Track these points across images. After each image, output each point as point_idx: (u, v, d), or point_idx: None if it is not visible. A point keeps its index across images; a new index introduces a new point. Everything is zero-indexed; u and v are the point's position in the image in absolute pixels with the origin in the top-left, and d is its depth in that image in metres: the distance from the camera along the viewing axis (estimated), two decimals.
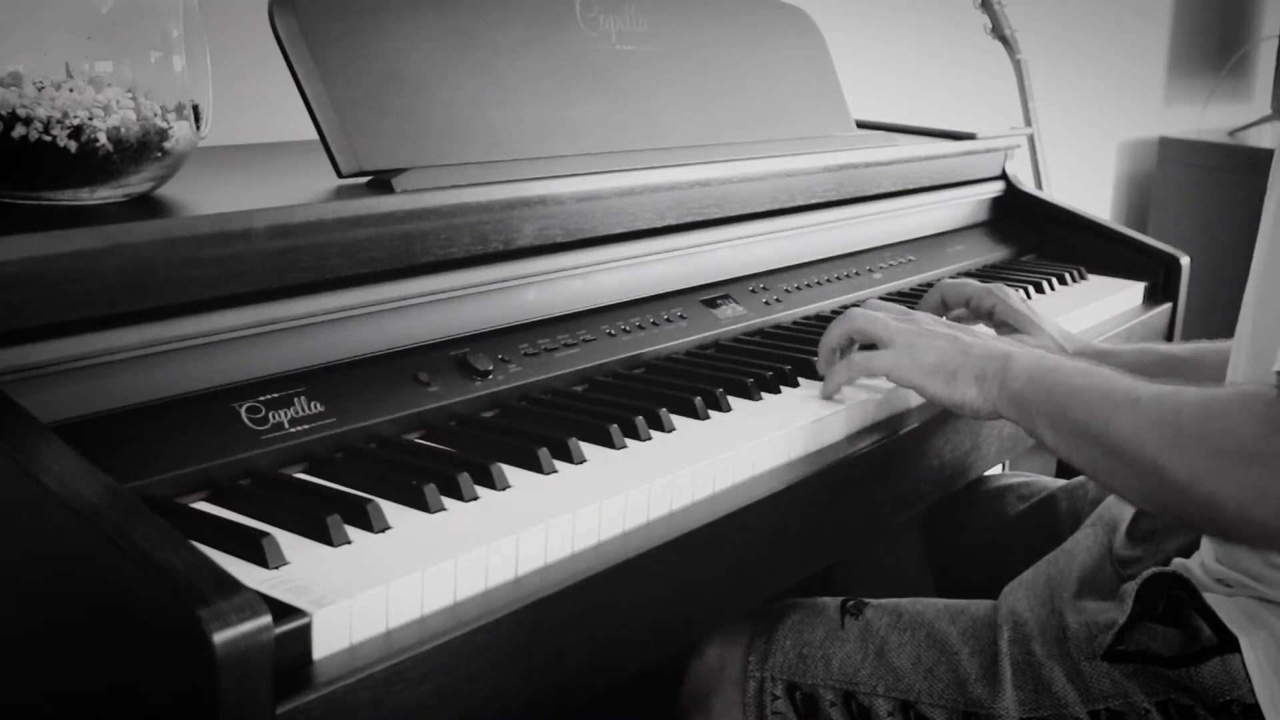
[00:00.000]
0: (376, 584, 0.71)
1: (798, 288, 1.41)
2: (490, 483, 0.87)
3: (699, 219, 1.28)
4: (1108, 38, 3.30)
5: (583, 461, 0.93)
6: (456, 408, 0.99)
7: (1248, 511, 0.83)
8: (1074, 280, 1.74)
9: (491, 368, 1.03)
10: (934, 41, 2.61)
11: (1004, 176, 1.87)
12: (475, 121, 1.11)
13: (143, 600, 0.63)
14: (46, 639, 0.70)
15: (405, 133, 1.05)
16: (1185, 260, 1.78)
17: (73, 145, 0.84)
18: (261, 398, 0.88)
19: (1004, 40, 2.44)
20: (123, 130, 0.85)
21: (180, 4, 0.91)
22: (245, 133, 1.29)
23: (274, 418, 0.88)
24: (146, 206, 0.89)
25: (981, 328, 1.33)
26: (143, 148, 0.87)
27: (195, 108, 0.93)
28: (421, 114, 1.07)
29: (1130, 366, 1.26)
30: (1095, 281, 1.76)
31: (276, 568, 0.73)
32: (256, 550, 0.73)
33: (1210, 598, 0.96)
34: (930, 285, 1.58)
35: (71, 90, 0.84)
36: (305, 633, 0.67)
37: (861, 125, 1.65)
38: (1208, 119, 3.72)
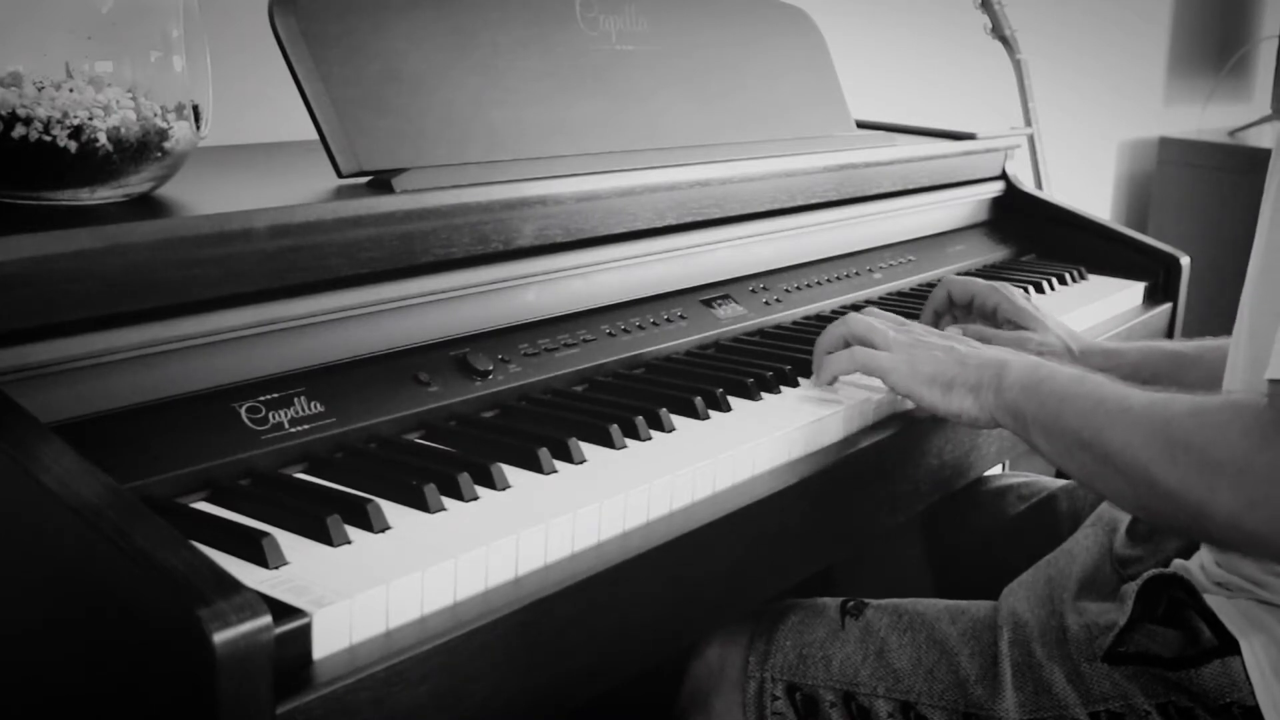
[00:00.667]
0: (376, 584, 0.71)
1: (798, 288, 1.41)
2: (490, 483, 0.87)
3: (699, 219, 1.28)
4: (1108, 38, 3.30)
5: (583, 461, 0.93)
6: (456, 408, 0.99)
7: (1238, 520, 0.83)
8: (1074, 280, 1.74)
9: (491, 368, 1.03)
10: (934, 41, 2.61)
11: (1004, 176, 1.87)
12: (475, 121, 1.11)
13: (143, 600, 0.63)
14: (47, 639, 0.70)
15: (405, 133, 1.05)
16: (1185, 260, 1.78)
17: (73, 145, 0.84)
18: (261, 398, 0.88)
19: (1004, 40, 2.44)
20: (123, 130, 0.85)
21: (180, 4, 0.91)
22: (245, 133, 1.29)
23: (274, 418, 0.88)
24: (146, 206, 0.89)
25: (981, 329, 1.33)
26: (143, 148, 0.87)
27: (195, 108, 0.93)
28: (421, 114, 1.07)
29: (1135, 364, 1.28)
30: (1095, 281, 1.76)
31: (276, 568, 0.73)
32: (256, 550, 0.73)
33: (1210, 599, 0.96)
34: (930, 285, 1.58)
35: (71, 90, 0.84)
36: (305, 633, 0.67)
37: (861, 125, 1.65)
38: (1208, 119, 3.72)
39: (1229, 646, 0.93)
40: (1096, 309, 1.62)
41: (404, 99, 1.06)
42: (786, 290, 1.39)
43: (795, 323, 1.36)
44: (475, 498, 0.85)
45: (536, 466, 0.90)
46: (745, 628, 1.09)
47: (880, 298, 1.49)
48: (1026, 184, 1.91)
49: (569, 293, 1.14)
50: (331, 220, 0.92)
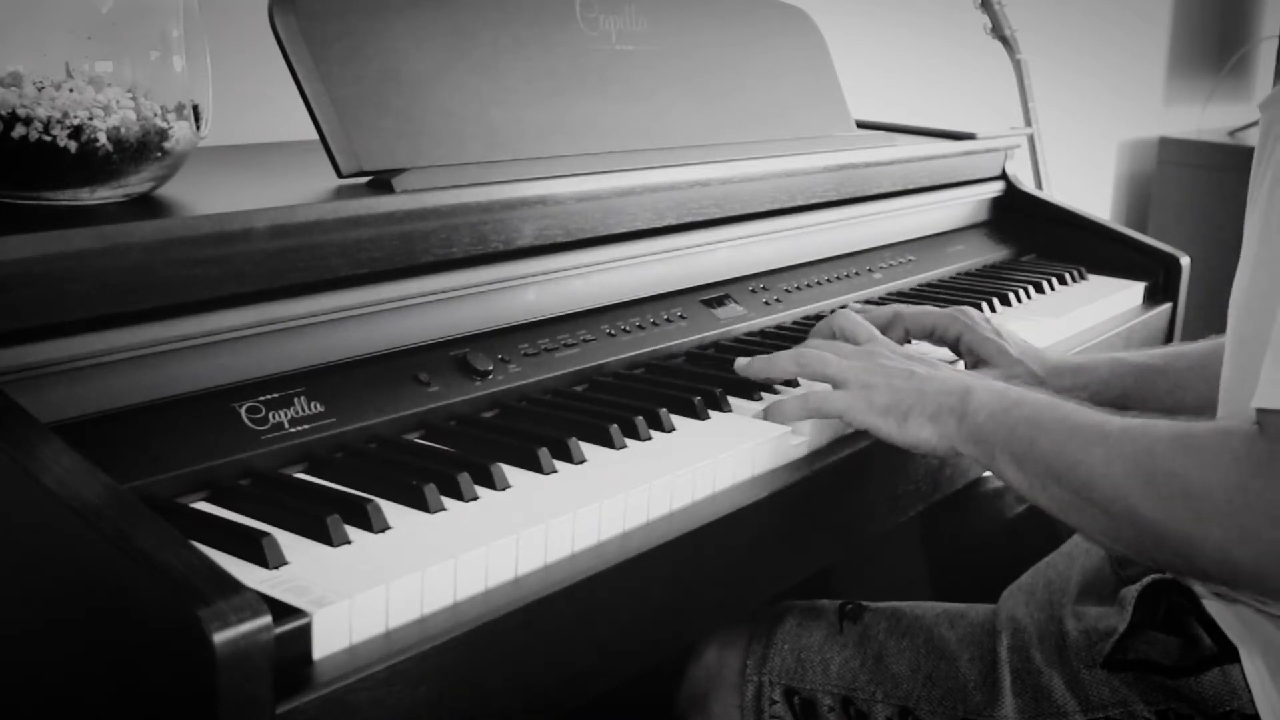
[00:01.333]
0: (376, 584, 0.71)
1: (798, 288, 1.41)
2: (490, 483, 0.87)
3: (699, 219, 1.28)
4: (1108, 38, 3.30)
5: (583, 461, 0.93)
6: (456, 408, 0.99)
7: (1229, 555, 0.79)
8: (1074, 280, 1.74)
9: (491, 368, 1.03)
10: (934, 41, 2.61)
11: (1004, 176, 1.87)
12: (475, 121, 1.11)
13: (143, 600, 0.63)
14: (47, 639, 0.70)
15: (405, 132, 1.05)
16: (1185, 260, 1.78)
17: (73, 145, 0.84)
18: (261, 398, 0.88)
19: (1004, 40, 2.44)
20: (123, 130, 0.85)
21: (180, 4, 0.90)
22: (245, 133, 1.29)
23: (274, 418, 0.88)
24: (146, 206, 0.89)
25: (947, 353, 1.28)
26: (143, 148, 0.87)
27: (195, 108, 0.93)
28: (421, 114, 1.07)
29: (1105, 380, 1.23)
30: (1095, 281, 1.76)
31: (276, 568, 0.73)
32: (256, 550, 0.73)
33: (1210, 606, 0.95)
34: (931, 285, 1.58)
35: (71, 90, 0.84)
36: (305, 633, 0.67)
37: (861, 125, 1.65)
38: (1208, 119, 3.72)
39: (1228, 654, 0.92)
40: (1096, 309, 1.62)
41: (404, 99, 1.06)
42: (786, 290, 1.39)
43: (795, 323, 1.36)
44: (475, 498, 0.85)
45: (536, 466, 0.90)
46: (743, 630, 1.09)
47: (880, 298, 1.49)
48: (1026, 184, 1.91)
49: (569, 293, 1.14)
50: (331, 220, 0.92)
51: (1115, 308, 1.68)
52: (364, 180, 0.99)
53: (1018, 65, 2.45)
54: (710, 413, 1.06)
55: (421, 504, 0.82)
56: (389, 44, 1.07)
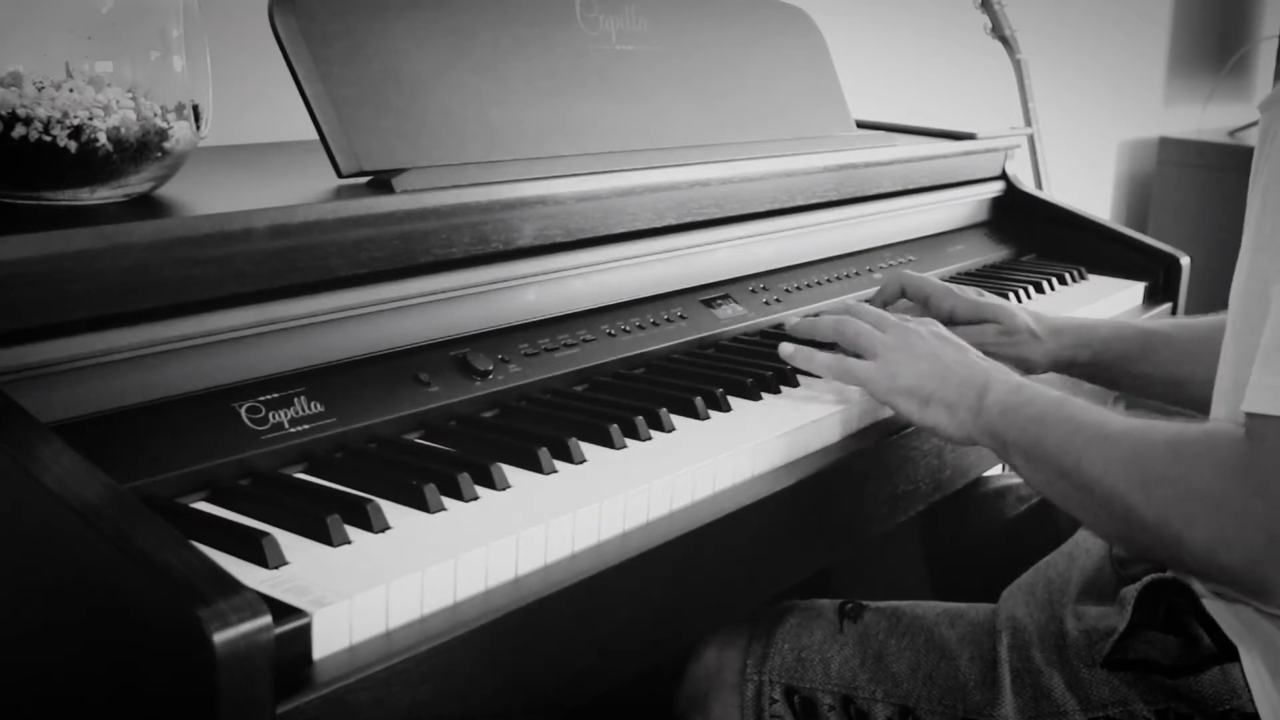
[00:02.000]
0: (376, 584, 0.71)
1: (798, 288, 1.41)
2: (490, 483, 0.87)
3: (699, 219, 1.28)
4: (1108, 38, 3.30)
5: (583, 461, 0.93)
6: (456, 408, 0.99)
7: (1214, 555, 0.82)
8: (1074, 280, 1.74)
9: (491, 368, 1.03)
10: (934, 41, 2.61)
11: (1004, 176, 1.86)
12: (475, 121, 1.11)
13: (143, 600, 0.63)
14: (47, 639, 0.70)
15: (405, 132, 1.05)
16: (1185, 260, 1.78)
17: (73, 145, 0.84)
18: (261, 398, 0.88)
19: (1004, 40, 2.43)
20: (123, 130, 0.85)
21: (180, 4, 0.91)
22: (245, 133, 1.29)
23: (274, 418, 0.88)
24: (146, 206, 0.89)
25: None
26: (143, 148, 0.87)
27: (195, 108, 0.93)
28: (421, 114, 1.07)
29: (1106, 340, 1.27)
30: (1095, 281, 1.76)
31: (276, 568, 0.73)
32: (256, 550, 0.73)
33: (1209, 605, 0.95)
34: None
35: (71, 90, 0.84)
36: (305, 633, 0.67)
37: (861, 125, 1.65)
38: (1208, 119, 3.72)
39: (1228, 653, 0.93)
40: (1096, 309, 1.62)
41: (404, 99, 1.06)
42: (786, 290, 1.39)
43: None
44: (475, 498, 0.85)
45: (536, 466, 0.90)
46: (743, 630, 1.09)
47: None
48: (1026, 184, 1.91)
49: (569, 293, 1.14)
50: (331, 220, 0.92)
51: (1115, 308, 1.68)
52: (364, 180, 0.99)
53: (1018, 65, 2.44)
54: (710, 413, 1.06)
55: (421, 504, 0.82)
56: (389, 44, 1.07)
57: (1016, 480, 1.47)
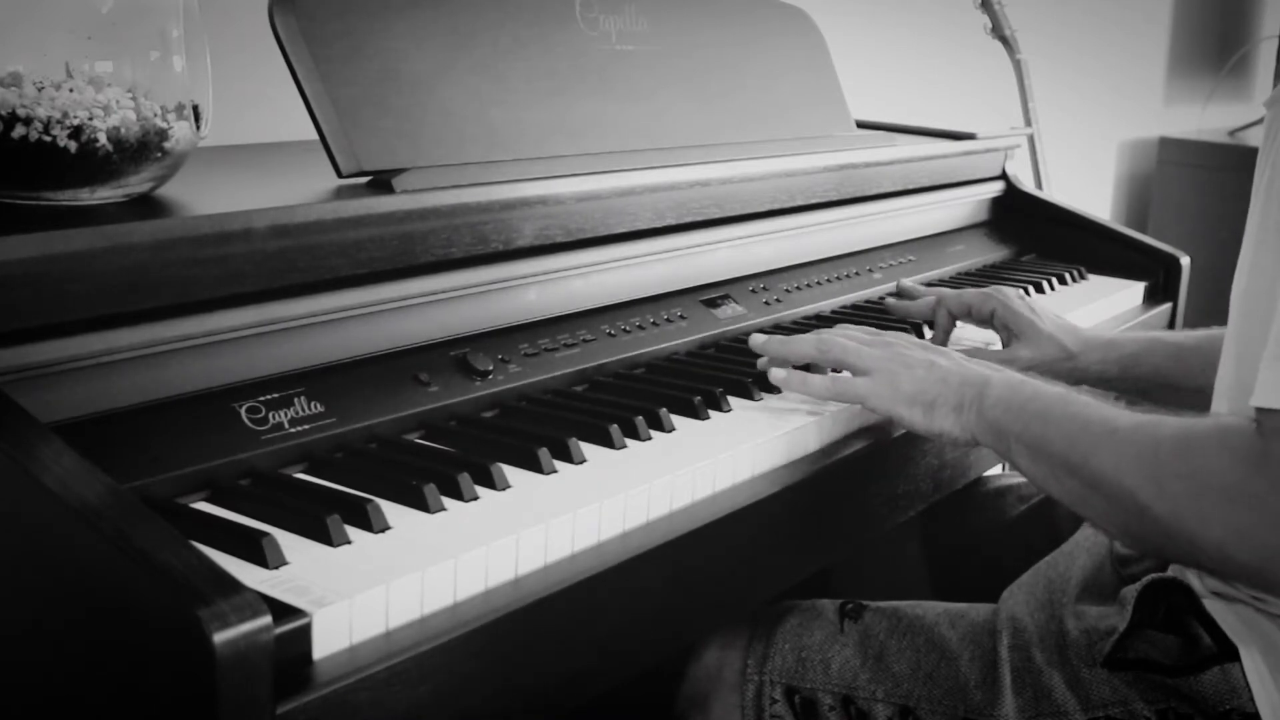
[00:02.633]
0: (376, 584, 0.71)
1: (798, 288, 1.41)
2: (490, 483, 0.87)
3: (699, 219, 1.28)
4: (1108, 38, 3.30)
5: (583, 461, 0.93)
6: (456, 408, 0.99)
7: (1228, 551, 0.82)
8: (1074, 280, 1.74)
9: (491, 368, 1.03)
10: (934, 41, 2.61)
11: (1004, 176, 1.87)
12: (475, 121, 1.11)
13: (143, 600, 0.63)
14: (47, 639, 0.70)
15: (405, 132, 1.05)
16: (1185, 260, 1.78)
17: (73, 145, 0.84)
18: (261, 398, 0.88)
19: (1004, 40, 2.43)
20: (123, 130, 0.85)
21: (180, 4, 0.90)
22: (245, 133, 1.29)
23: (274, 418, 0.88)
24: (146, 206, 0.89)
25: (967, 337, 1.33)
26: (143, 148, 0.87)
27: (195, 108, 0.93)
28: (421, 114, 1.07)
29: (1135, 355, 1.28)
30: (1095, 281, 1.76)
31: (276, 568, 0.73)
32: (256, 550, 0.73)
33: (1210, 605, 0.95)
34: (930, 285, 1.58)
35: (71, 90, 0.84)
36: (305, 633, 0.67)
37: (861, 125, 1.65)
38: (1208, 119, 3.72)
39: (1228, 653, 0.93)
40: (1096, 309, 1.62)
41: (404, 99, 1.06)
42: (786, 290, 1.39)
43: (795, 323, 1.36)
44: (475, 498, 0.85)
45: (536, 466, 0.90)
46: (744, 630, 1.09)
47: (880, 298, 1.49)
48: (1026, 184, 1.91)
49: (569, 293, 1.14)
50: (331, 220, 0.92)
51: (1115, 308, 1.68)
52: (364, 180, 0.99)
53: (1018, 65, 2.44)
54: (710, 413, 1.06)
55: (421, 504, 0.82)
56: (389, 44, 1.07)
57: (1017, 480, 1.47)
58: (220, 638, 0.60)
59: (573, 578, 0.80)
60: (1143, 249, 1.80)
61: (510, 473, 0.89)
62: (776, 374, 1.10)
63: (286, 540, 0.76)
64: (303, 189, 0.97)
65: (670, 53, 1.35)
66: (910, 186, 1.64)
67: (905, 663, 1.03)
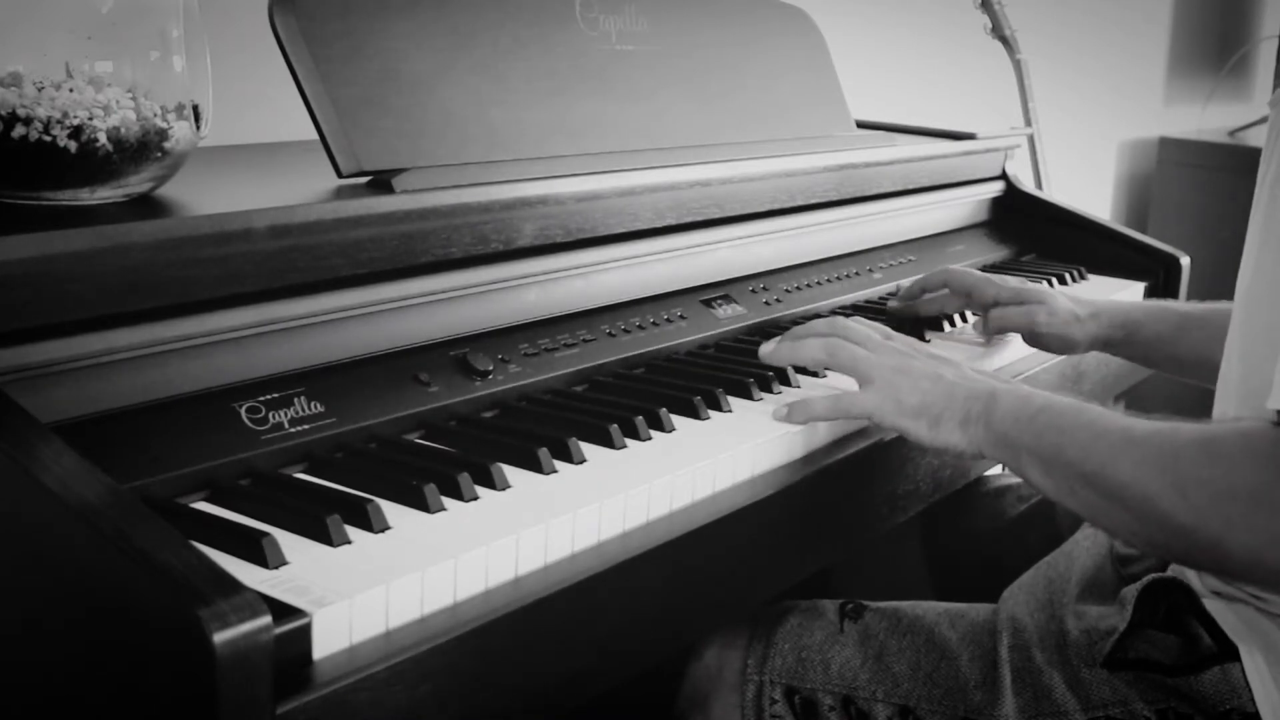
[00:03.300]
0: (376, 584, 0.71)
1: (798, 288, 1.41)
2: (490, 483, 0.87)
3: (699, 219, 1.28)
4: (1108, 38, 3.30)
5: (583, 461, 0.93)
6: (456, 408, 0.99)
7: (1258, 556, 0.80)
8: (1074, 280, 1.74)
9: (491, 368, 1.03)
10: (934, 41, 2.61)
11: (1004, 176, 1.86)
12: (475, 121, 1.11)
13: (143, 600, 0.63)
14: (46, 639, 0.70)
15: (405, 132, 1.05)
16: (1185, 260, 1.78)
17: (73, 145, 0.84)
18: (261, 398, 0.88)
19: (1004, 40, 2.43)
20: (123, 130, 0.85)
21: (180, 4, 0.91)
22: (245, 133, 1.29)
23: (274, 418, 0.88)
24: (146, 206, 0.89)
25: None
26: (143, 148, 0.87)
27: (195, 108, 0.93)
28: (421, 114, 1.07)
29: (1140, 322, 1.31)
30: (1095, 281, 1.76)
31: (276, 568, 0.73)
32: (256, 550, 0.73)
33: (1210, 604, 0.95)
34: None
35: (71, 90, 0.84)
36: (305, 633, 0.67)
37: (861, 125, 1.65)
38: (1208, 119, 3.72)
39: (1229, 653, 0.93)
40: None
41: (404, 99, 1.06)
42: (786, 290, 1.39)
43: (795, 323, 1.36)
44: (475, 498, 0.85)
45: (536, 466, 0.90)
46: (744, 630, 1.09)
47: (880, 298, 1.49)
48: (1026, 184, 1.91)
49: (569, 293, 1.14)
50: (331, 220, 0.92)
51: None
52: (364, 180, 0.99)
53: (1018, 65, 2.44)
54: (710, 413, 1.06)
55: (421, 504, 0.82)
56: (389, 44, 1.07)
57: (1017, 480, 1.47)
58: (220, 638, 0.60)
59: (573, 578, 0.80)
60: (1143, 249, 1.80)
61: (510, 473, 0.89)
62: (779, 412, 1.06)
63: (286, 540, 0.76)
64: (303, 189, 0.97)
65: (670, 53, 1.35)
66: (910, 186, 1.64)
67: (905, 663, 1.03)
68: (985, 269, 1.73)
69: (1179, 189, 3.52)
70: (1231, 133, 3.59)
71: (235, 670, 0.61)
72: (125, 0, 0.87)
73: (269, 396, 0.89)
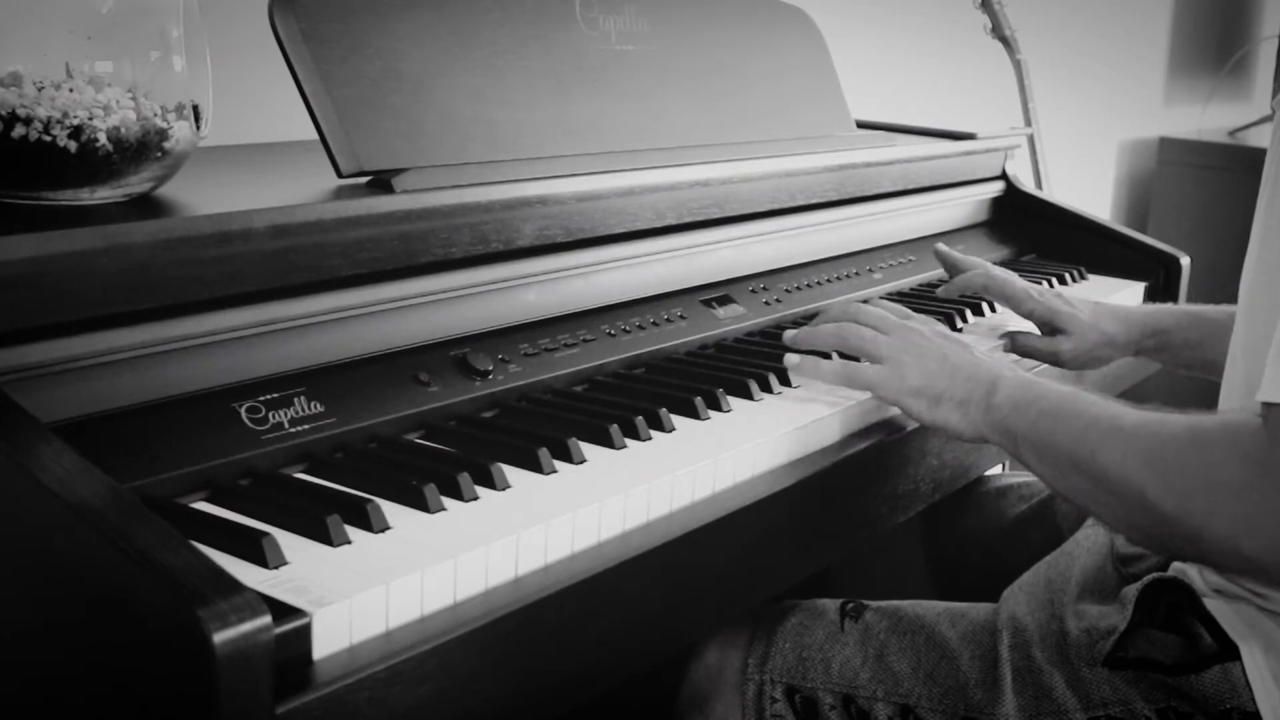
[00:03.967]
0: (376, 584, 0.71)
1: (798, 288, 1.41)
2: (490, 483, 0.87)
3: (699, 219, 1.28)
4: (1108, 38, 3.30)
5: (583, 461, 0.93)
6: (456, 408, 0.99)
7: (1236, 545, 0.83)
8: (1074, 280, 1.74)
9: (491, 368, 1.03)
10: (934, 41, 2.61)
11: (1004, 176, 1.86)
12: (475, 121, 1.11)
13: (143, 600, 0.63)
14: (46, 639, 0.70)
15: (405, 132, 1.04)
16: (1185, 260, 1.78)
17: (73, 145, 0.84)
18: (261, 398, 0.88)
19: (1004, 40, 2.43)
20: (123, 130, 0.85)
21: (180, 4, 0.91)
22: (245, 133, 1.29)
23: (274, 418, 0.88)
24: (146, 206, 0.89)
25: (981, 329, 1.35)
26: (143, 148, 0.87)
27: (195, 108, 0.93)
28: (421, 113, 1.07)
29: (1170, 330, 1.33)
30: (1095, 281, 1.76)
31: (276, 568, 0.73)
32: (256, 550, 0.73)
33: (1210, 604, 0.95)
34: (930, 285, 1.58)
35: (71, 90, 0.84)
36: (305, 633, 0.67)
37: (861, 125, 1.65)
38: (1208, 119, 3.72)
39: (1229, 652, 0.93)
40: None
41: (404, 98, 1.06)
42: (786, 290, 1.39)
43: (795, 323, 1.36)
44: (475, 498, 0.85)
45: (536, 466, 0.90)
46: (744, 629, 1.09)
47: (880, 298, 1.49)
48: (1026, 184, 1.91)
49: (569, 293, 1.14)
50: (331, 220, 0.92)
51: None
52: (364, 180, 0.99)
53: (1018, 65, 2.44)
54: (710, 413, 1.06)
55: (421, 504, 0.82)
56: (389, 44, 1.07)
57: (1017, 480, 1.47)
58: (220, 638, 0.60)
59: (573, 578, 0.80)
60: (1143, 249, 1.80)
61: (510, 473, 0.88)
62: (790, 359, 1.12)
63: (286, 540, 0.76)
64: (303, 189, 0.97)
65: (670, 53, 1.35)
66: (910, 186, 1.64)
67: (906, 662, 1.03)
68: None
69: (1179, 189, 3.52)
70: (1231, 133, 3.59)
71: (235, 670, 0.61)
72: (125, 0, 0.87)
73: (269, 396, 0.89)
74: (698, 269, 1.30)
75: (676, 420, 1.03)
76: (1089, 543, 1.17)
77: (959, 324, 1.43)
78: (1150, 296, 1.76)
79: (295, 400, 0.90)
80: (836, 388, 1.13)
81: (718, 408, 1.07)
